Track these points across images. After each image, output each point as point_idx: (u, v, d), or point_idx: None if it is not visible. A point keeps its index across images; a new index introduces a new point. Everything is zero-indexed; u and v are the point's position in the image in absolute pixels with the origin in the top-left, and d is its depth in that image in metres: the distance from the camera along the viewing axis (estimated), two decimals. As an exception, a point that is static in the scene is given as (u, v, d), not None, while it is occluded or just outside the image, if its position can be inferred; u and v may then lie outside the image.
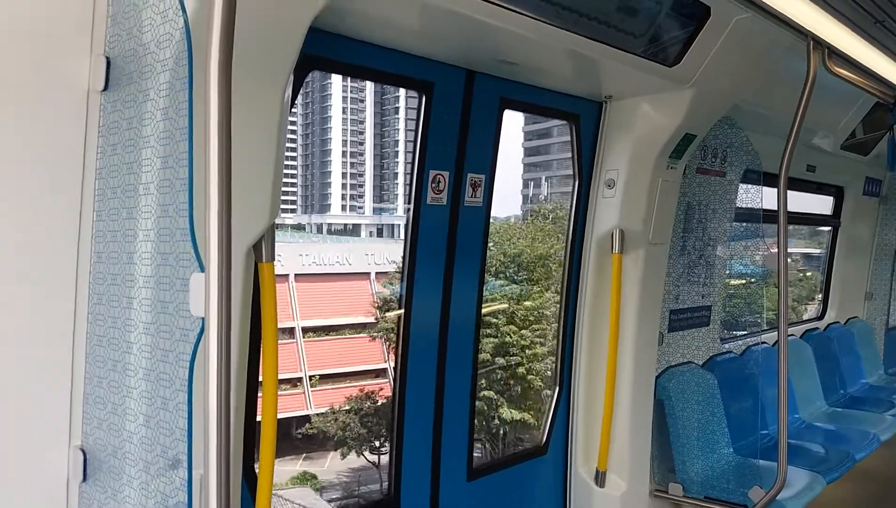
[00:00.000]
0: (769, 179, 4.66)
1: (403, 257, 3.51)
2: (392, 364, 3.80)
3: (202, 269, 1.94)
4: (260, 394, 2.58)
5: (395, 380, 3.53)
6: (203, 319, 1.71)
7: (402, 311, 3.49)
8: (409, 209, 3.48)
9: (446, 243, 3.55)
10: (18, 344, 2.33)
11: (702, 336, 5.08)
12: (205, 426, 1.66)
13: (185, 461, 2.07)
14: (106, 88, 2.40)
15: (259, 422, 2.48)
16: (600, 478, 4.13)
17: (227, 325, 1.67)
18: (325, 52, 2.89)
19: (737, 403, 5.06)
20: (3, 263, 2.28)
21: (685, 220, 4.70)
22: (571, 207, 4.15)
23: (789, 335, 6.03)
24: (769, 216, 4.72)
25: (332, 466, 18.14)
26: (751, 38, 3.65)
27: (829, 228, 7.47)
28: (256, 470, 2.46)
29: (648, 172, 3.98)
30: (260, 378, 2.57)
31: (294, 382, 20.79)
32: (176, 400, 2.10)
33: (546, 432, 4.21)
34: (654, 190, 4.01)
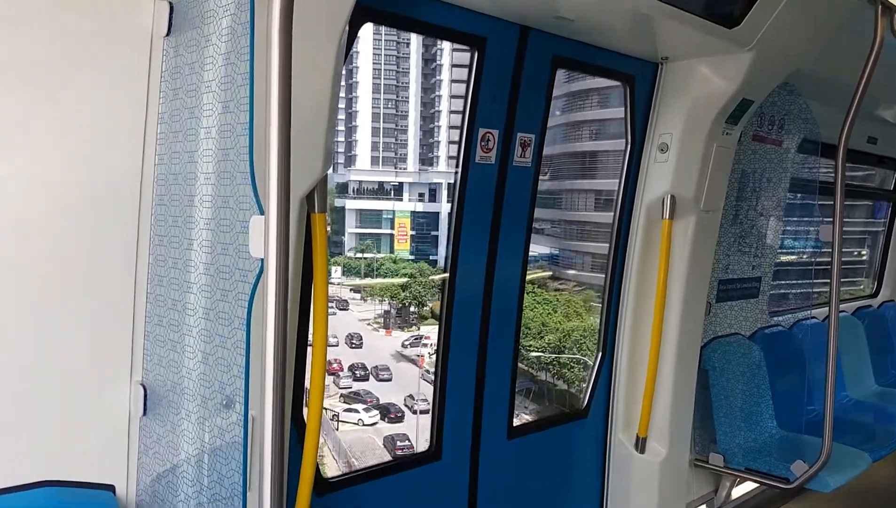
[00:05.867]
0: (828, 150, 4.53)
1: (450, 215, 3.52)
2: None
3: (261, 212, 1.99)
4: (310, 342, 2.65)
5: (439, 338, 3.57)
6: (262, 260, 1.76)
7: (448, 271, 3.52)
8: (457, 169, 3.48)
9: (493, 202, 3.55)
10: (82, 284, 2.42)
11: (750, 308, 5.00)
12: (262, 366, 1.71)
13: (242, 398, 2.15)
14: (169, 33, 2.45)
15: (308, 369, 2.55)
16: (640, 444, 4.13)
17: (285, 267, 1.71)
18: (378, 3, 2.88)
19: (783, 377, 4.99)
20: (66, 204, 2.37)
21: (739, 188, 4.61)
22: (623, 170, 4.10)
23: (841, 312, 5.92)
24: (826, 188, 4.60)
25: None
26: (815, 0, 3.53)
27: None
28: (304, 416, 2.53)
29: (703, 138, 3.90)
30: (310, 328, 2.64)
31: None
32: (234, 338, 2.16)
33: (587, 396, 4.21)
34: (709, 156, 3.93)
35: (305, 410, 2.51)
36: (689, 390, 4.25)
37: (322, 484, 3.02)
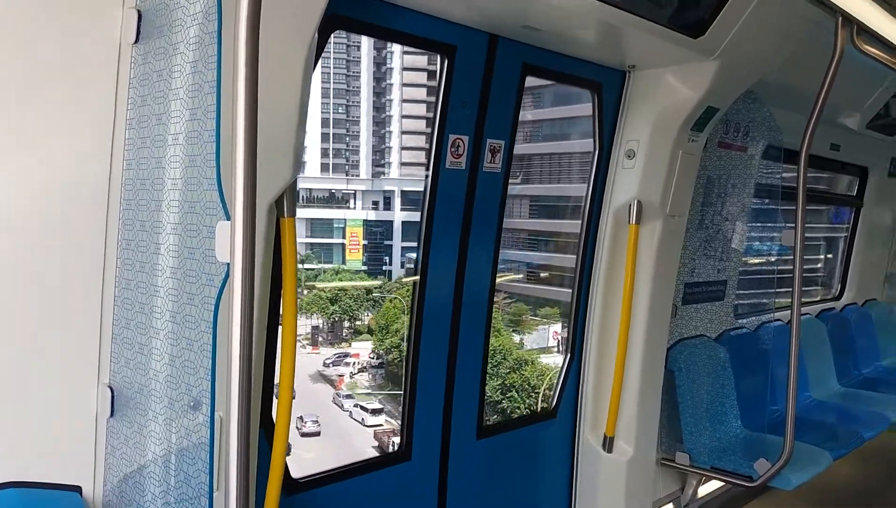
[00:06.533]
0: (791, 157, 4.64)
1: (420, 220, 3.58)
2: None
3: (228, 217, 2.02)
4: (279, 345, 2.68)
5: (409, 341, 3.62)
6: (228, 264, 1.80)
7: (419, 274, 3.57)
8: (427, 174, 3.53)
9: (463, 207, 3.61)
10: (50, 287, 2.44)
11: (716, 310, 5.11)
12: (228, 367, 1.75)
13: (209, 400, 2.18)
14: (137, 40, 2.47)
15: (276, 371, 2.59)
16: (608, 444, 4.21)
17: (250, 271, 1.75)
18: (347, 11, 2.92)
19: (747, 378, 5.09)
20: (35, 208, 2.39)
21: (704, 194, 4.71)
22: (590, 176, 4.18)
23: (805, 314, 6.05)
24: (788, 193, 4.71)
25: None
26: (778, 11, 3.63)
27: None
28: (273, 418, 2.56)
29: (669, 144, 3.99)
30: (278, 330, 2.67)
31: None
32: (201, 341, 2.19)
33: (556, 396, 4.29)
34: (675, 162, 4.02)
35: (274, 412, 2.55)
36: (656, 390, 4.34)
37: (291, 485, 3.06)
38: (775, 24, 3.74)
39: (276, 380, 2.86)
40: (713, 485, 5.12)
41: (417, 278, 3.59)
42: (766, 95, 4.69)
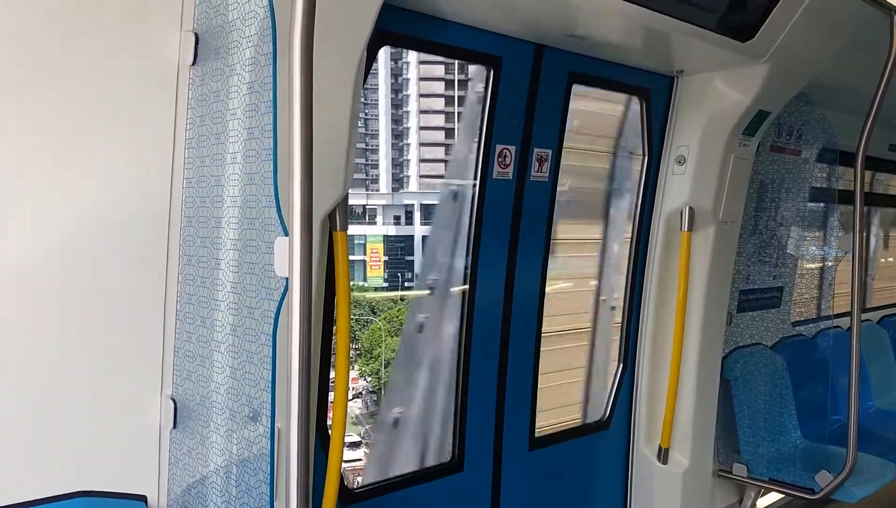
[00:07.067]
0: (847, 159, 4.52)
1: (469, 230, 3.59)
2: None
3: (286, 233, 2.07)
4: (333, 356, 2.72)
5: (459, 351, 3.62)
6: (287, 279, 1.84)
7: (468, 283, 3.58)
8: (475, 184, 3.55)
9: (511, 217, 3.62)
10: (114, 302, 2.53)
11: (772, 318, 4.99)
12: (287, 379, 1.79)
13: (269, 411, 2.22)
14: (194, 62, 2.55)
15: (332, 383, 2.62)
16: (663, 455, 4.14)
17: (308, 285, 1.79)
18: (394, 27, 2.96)
19: (806, 387, 4.95)
20: (100, 226, 2.48)
21: (758, 198, 4.61)
22: (640, 183, 4.14)
23: (867, 321, 5.86)
24: (846, 197, 4.59)
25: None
26: (830, 12, 3.55)
27: None
28: (328, 429, 2.60)
29: (720, 149, 3.93)
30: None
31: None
32: (260, 354, 2.24)
33: (609, 407, 4.24)
34: (726, 167, 3.96)
35: (330, 422, 2.58)
36: (712, 400, 4.25)
37: (346, 494, 3.09)
38: (827, 24, 3.67)
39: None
40: (772, 497, 4.98)
41: (467, 287, 3.60)
42: (818, 97, 4.59)
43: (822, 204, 4.94)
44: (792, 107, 4.47)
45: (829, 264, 5.47)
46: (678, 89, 4.03)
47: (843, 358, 4.13)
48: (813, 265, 5.51)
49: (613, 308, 4.48)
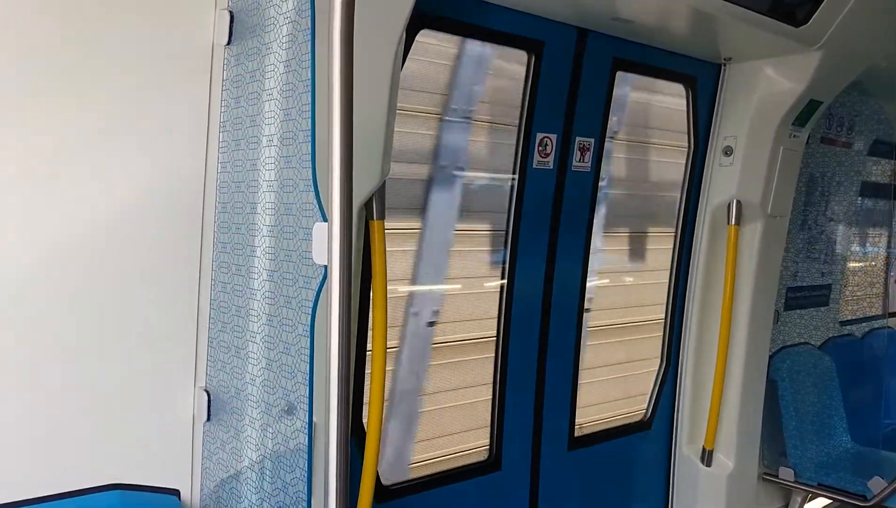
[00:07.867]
0: None
1: (507, 221, 3.48)
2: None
3: (325, 219, 1.99)
4: (369, 349, 2.64)
5: (497, 346, 3.52)
6: (326, 267, 1.76)
7: (505, 277, 3.48)
8: (514, 174, 3.44)
9: (552, 208, 3.50)
10: (147, 291, 2.47)
11: (820, 316, 4.81)
12: (326, 372, 1.71)
13: (306, 405, 2.14)
14: (230, 41, 2.48)
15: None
16: (707, 457, 4.00)
17: (348, 273, 1.70)
18: (433, 9, 2.87)
19: (856, 388, 4.78)
20: (131, 212, 2.42)
21: (807, 192, 4.45)
22: (685, 175, 4.00)
23: None
24: None
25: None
26: None
27: None
28: (364, 424, 2.52)
29: (769, 140, 3.77)
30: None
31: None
32: (298, 345, 2.16)
33: (651, 407, 4.10)
34: (775, 159, 3.80)
35: (365, 418, 2.50)
36: (758, 401, 4.10)
37: (382, 492, 3.01)
38: (884, 11, 3.50)
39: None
40: (819, 503, 4.81)
41: (504, 281, 3.50)
42: (873, 87, 4.40)
43: (874, 199, 4.75)
44: (844, 97, 4.29)
45: (880, 262, 5.27)
46: (725, 77, 3.88)
47: (895, 359, 3.97)
48: (863, 263, 5.31)
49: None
